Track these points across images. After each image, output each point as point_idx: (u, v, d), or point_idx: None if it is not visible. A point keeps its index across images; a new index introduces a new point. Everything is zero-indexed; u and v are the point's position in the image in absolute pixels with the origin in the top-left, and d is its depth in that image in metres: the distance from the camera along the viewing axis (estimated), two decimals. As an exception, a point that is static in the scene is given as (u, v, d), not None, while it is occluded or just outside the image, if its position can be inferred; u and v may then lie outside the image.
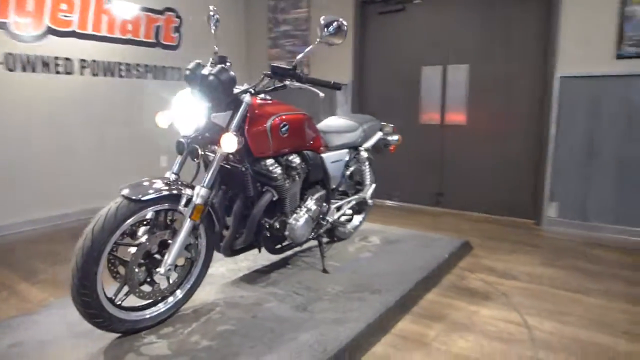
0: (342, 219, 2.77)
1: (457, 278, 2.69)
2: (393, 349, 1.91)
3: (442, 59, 4.22)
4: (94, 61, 3.90)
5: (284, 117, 2.08)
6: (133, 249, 1.77)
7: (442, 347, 1.93)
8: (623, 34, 3.28)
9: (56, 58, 3.66)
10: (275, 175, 2.06)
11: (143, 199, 1.68)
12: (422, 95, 4.37)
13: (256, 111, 1.99)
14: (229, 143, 1.74)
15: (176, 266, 1.86)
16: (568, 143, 3.59)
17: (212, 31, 2.16)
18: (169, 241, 1.83)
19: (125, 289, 1.78)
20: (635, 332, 2.04)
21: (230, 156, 1.99)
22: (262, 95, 2.10)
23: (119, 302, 1.75)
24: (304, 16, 4.81)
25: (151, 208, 1.74)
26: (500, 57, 3.92)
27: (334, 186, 2.57)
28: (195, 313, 2.01)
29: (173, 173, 1.91)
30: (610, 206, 3.47)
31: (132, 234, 1.79)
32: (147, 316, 1.82)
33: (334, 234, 2.82)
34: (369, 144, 2.81)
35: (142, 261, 1.78)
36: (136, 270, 1.75)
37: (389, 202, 4.61)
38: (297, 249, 2.61)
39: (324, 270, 2.49)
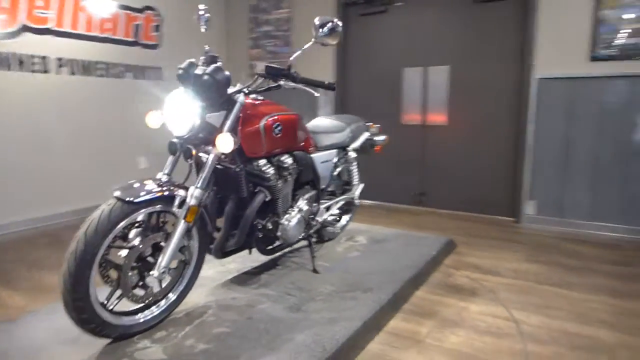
0: (330, 219, 2.77)
1: (443, 275, 2.74)
2: (388, 346, 1.93)
3: (423, 61, 4.29)
4: (71, 60, 3.79)
5: (276, 117, 2.07)
6: (124, 252, 1.73)
7: (435, 343, 1.96)
8: (597, 37, 3.41)
9: (32, 56, 3.54)
10: (268, 175, 2.05)
11: (137, 200, 1.65)
12: (403, 96, 4.42)
13: (249, 111, 1.98)
14: (226, 143, 1.72)
15: (169, 269, 1.82)
16: (545, 143, 3.70)
17: (203, 30, 2.14)
18: (162, 243, 1.80)
19: (117, 293, 1.74)
20: (618, 324, 2.13)
21: (223, 157, 1.97)
22: (252, 95, 2.09)
23: (111, 307, 1.71)
24: (285, 17, 4.80)
25: (144, 210, 1.71)
26: (480, 59, 4.02)
27: (323, 186, 2.57)
28: (188, 316, 1.98)
29: (165, 174, 1.88)
30: (585, 203, 3.60)
31: (123, 236, 1.75)
32: (141, 320, 1.79)
33: (321, 234, 2.83)
34: (356, 144, 2.83)
35: (134, 264, 1.74)
36: (129, 273, 1.71)
37: (368, 202, 4.64)
38: (286, 249, 2.60)
39: (315, 271, 2.49)
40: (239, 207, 2.06)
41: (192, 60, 1.87)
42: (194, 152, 1.81)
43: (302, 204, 2.31)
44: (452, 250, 3.16)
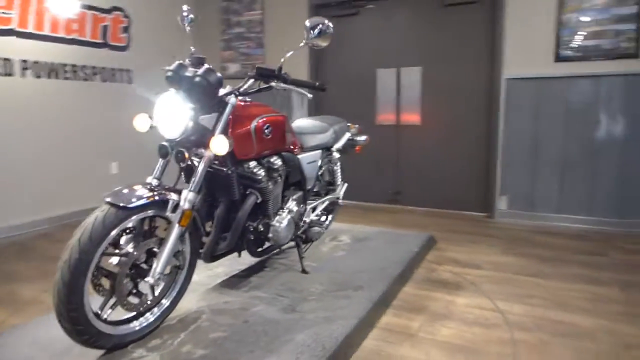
0: (316, 219, 2.79)
1: (427, 271, 2.81)
2: (382, 342, 1.97)
3: (396, 62, 4.38)
4: (36, 62, 3.63)
5: (266, 118, 2.07)
6: (115, 260, 1.68)
7: (428, 337, 2.01)
8: (560, 39, 3.59)
9: (-6, 59, 3.37)
10: (260, 177, 2.04)
11: (130, 206, 1.61)
12: (377, 97, 4.50)
13: (239, 113, 1.97)
14: (221, 145, 1.70)
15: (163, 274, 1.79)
16: (515, 140, 3.86)
17: (187, 30, 2.11)
18: (154, 249, 1.76)
19: (111, 302, 1.69)
20: (595, 310, 2.25)
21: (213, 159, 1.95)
22: (240, 97, 2.07)
23: (105, 317, 1.66)
24: (258, 18, 4.78)
25: (137, 215, 1.67)
26: (451, 60, 4.14)
27: (309, 187, 2.59)
28: (182, 322, 1.95)
29: (155, 178, 1.84)
30: (553, 197, 3.78)
31: (114, 244, 1.70)
32: (137, 328, 1.74)
33: (307, 234, 2.83)
34: (339, 144, 2.86)
35: (128, 271, 1.69)
36: (124, 281, 1.66)
37: (344, 202, 4.68)
38: (275, 251, 2.59)
39: (304, 271, 2.50)
40: (230, 209, 2.04)
41: (181, 61, 1.84)
42: (186, 155, 1.78)
43: (292, 205, 2.32)
44: (432, 247, 3.25)
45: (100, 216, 1.56)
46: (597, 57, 3.49)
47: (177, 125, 1.74)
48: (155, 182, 1.82)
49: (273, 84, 1.92)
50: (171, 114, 1.75)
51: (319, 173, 2.74)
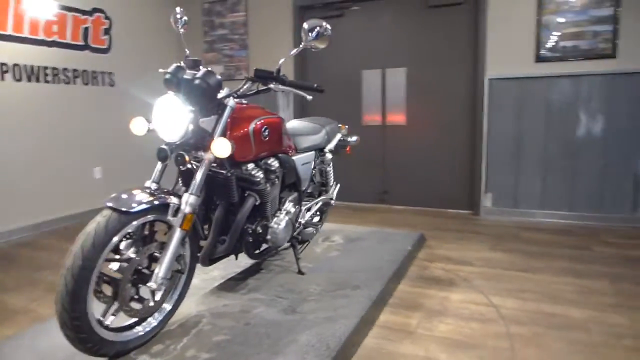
0: (310, 220, 2.80)
1: (419, 269, 2.85)
2: (383, 340, 2.00)
3: (381, 63, 4.42)
4: (16, 65, 3.53)
5: (264, 120, 2.07)
6: (115, 265, 1.66)
7: (427, 333, 2.05)
8: (540, 40, 3.70)
9: (-28, 62, 3.27)
10: (258, 179, 2.04)
11: (132, 210, 1.59)
12: (363, 98, 4.54)
13: (237, 115, 1.96)
14: (223, 148, 1.69)
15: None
16: (499, 139, 3.96)
17: (180, 32, 2.09)
18: (156, 253, 1.74)
19: (112, 308, 1.66)
20: (585, 302, 2.33)
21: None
22: (237, 100, 2.07)
23: (108, 324, 1.63)
24: (241, 20, 4.75)
25: (139, 220, 1.65)
26: (435, 60, 4.21)
27: (303, 188, 2.59)
28: (183, 327, 1.93)
29: (154, 182, 1.82)
30: (537, 193, 3.89)
31: (114, 249, 1.68)
32: (141, 333, 1.72)
33: (301, 235, 2.84)
34: (331, 145, 2.87)
35: (130, 277, 1.67)
36: (127, 286, 1.64)
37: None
38: (271, 252, 2.59)
39: (300, 272, 2.50)
40: (229, 212, 2.04)
41: (179, 64, 1.83)
42: (187, 158, 1.77)
43: (289, 206, 2.33)
44: (423, 245, 3.30)
45: (102, 222, 1.53)
46: (575, 58, 3.61)
47: (178, 129, 1.73)
48: (154, 186, 1.80)
49: (271, 85, 1.93)
50: (171, 117, 1.73)
51: (312, 174, 2.76)
